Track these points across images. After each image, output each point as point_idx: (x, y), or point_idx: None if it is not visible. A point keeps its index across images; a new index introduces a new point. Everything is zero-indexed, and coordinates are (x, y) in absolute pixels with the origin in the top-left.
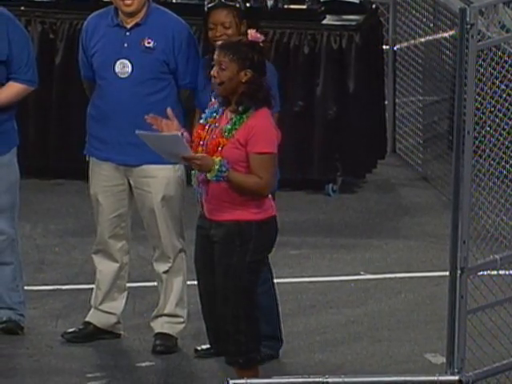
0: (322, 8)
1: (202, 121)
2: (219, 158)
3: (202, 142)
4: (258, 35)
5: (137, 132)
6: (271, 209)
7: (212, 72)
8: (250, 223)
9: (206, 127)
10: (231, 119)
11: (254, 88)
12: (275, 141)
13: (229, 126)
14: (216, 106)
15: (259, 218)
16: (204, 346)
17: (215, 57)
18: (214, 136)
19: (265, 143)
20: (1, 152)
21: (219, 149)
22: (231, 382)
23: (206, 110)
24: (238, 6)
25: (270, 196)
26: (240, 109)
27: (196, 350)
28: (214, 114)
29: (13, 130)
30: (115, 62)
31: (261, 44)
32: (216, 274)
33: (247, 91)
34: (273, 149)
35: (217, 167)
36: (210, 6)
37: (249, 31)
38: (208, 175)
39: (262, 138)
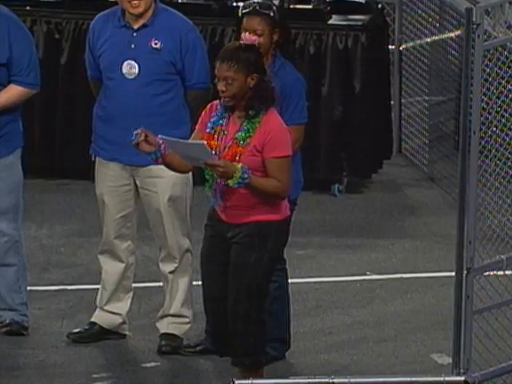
0: (328, 8)
1: (208, 130)
2: (241, 164)
3: (213, 152)
4: (253, 37)
5: (160, 136)
6: (287, 209)
7: (219, 87)
8: (270, 223)
9: (215, 136)
10: (242, 125)
11: (261, 91)
12: (290, 143)
13: (242, 134)
14: (220, 112)
15: (278, 219)
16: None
17: (218, 71)
18: (228, 145)
19: (282, 147)
20: (4, 153)
21: (237, 158)
22: (237, 382)
23: (211, 119)
24: (272, 14)
25: None
26: (250, 113)
27: (186, 346)
28: (221, 122)
29: (17, 132)
30: (122, 63)
31: (256, 45)
32: (230, 275)
33: (256, 95)
34: (289, 151)
35: (239, 174)
36: (244, 11)
37: (242, 35)
38: (230, 182)
39: (279, 142)
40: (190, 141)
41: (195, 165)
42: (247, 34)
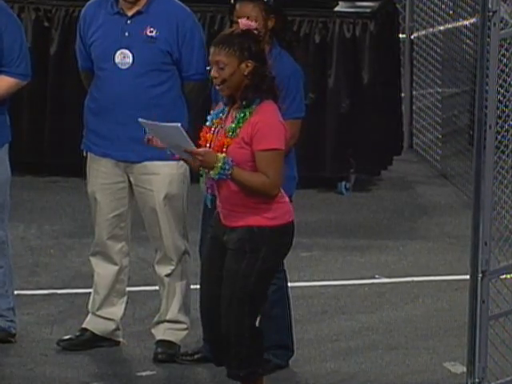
0: None
1: (208, 123)
2: (223, 155)
3: (208, 145)
4: (250, 22)
5: (139, 120)
6: (288, 214)
7: (212, 73)
8: (263, 229)
9: (212, 129)
10: (235, 117)
11: (257, 79)
12: (282, 136)
13: (233, 125)
14: (222, 106)
15: (274, 224)
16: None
17: (210, 56)
18: (220, 137)
19: (270, 139)
20: None
21: (224, 150)
22: None
23: (212, 112)
24: (265, 0)
25: (287, 200)
26: (244, 103)
27: (183, 354)
28: (220, 115)
29: (4, 126)
30: (115, 52)
31: (255, 31)
32: (223, 281)
33: (250, 84)
34: (279, 145)
35: (219, 164)
36: None
37: (239, 20)
38: (211, 173)
39: (268, 133)
40: (166, 123)
41: (179, 155)
42: (244, 19)
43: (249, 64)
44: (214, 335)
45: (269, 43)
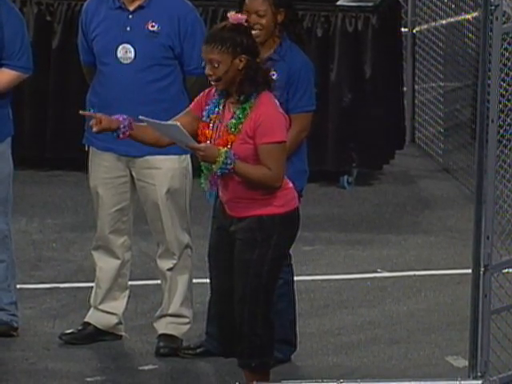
0: None
1: (204, 118)
2: (225, 149)
3: (208, 142)
4: (239, 16)
5: (140, 117)
6: (294, 200)
7: (206, 71)
8: (273, 217)
9: (211, 125)
10: (235, 113)
11: (251, 73)
12: (284, 128)
13: (234, 121)
14: (216, 98)
15: (282, 212)
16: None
17: (203, 54)
18: (221, 134)
19: (273, 132)
20: None
21: (228, 146)
22: None
23: (206, 107)
24: None
25: (291, 186)
26: (241, 98)
27: (185, 348)
28: (216, 109)
29: (7, 119)
30: (117, 47)
31: (245, 24)
32: (235, 272)
33: (246, 77)
34: (281, 137)
35: (221, 159)
36: None
37: (228, 14)
38: (213, 167)
39: (270, 126)
40: (165, 122)
41: (183, 147)
42: (233, 13)
43: (242, 59)
44: (226, 324)
45: (279, 37)
